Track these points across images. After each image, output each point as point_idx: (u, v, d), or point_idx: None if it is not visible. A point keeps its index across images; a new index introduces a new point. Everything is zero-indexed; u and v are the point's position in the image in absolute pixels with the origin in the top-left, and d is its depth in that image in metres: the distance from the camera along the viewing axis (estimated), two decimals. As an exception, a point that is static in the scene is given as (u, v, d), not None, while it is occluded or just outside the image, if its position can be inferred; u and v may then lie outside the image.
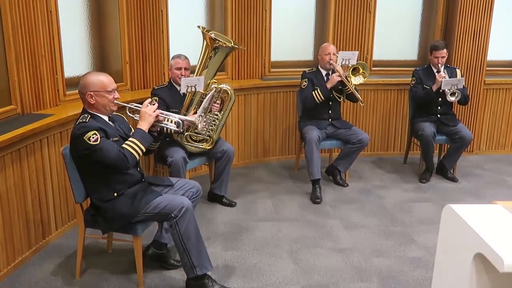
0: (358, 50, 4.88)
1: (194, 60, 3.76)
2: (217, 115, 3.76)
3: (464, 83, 4.44)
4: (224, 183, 3.97)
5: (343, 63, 4.24)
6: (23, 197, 3.07)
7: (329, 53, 4.33)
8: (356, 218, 3.84)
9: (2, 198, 2.88)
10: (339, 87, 4.32)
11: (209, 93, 3.50)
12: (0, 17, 3.07)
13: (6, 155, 2.89)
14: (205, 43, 3.63)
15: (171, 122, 2.86)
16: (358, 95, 4.28)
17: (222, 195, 4.02)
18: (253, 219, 3.80)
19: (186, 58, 3.77)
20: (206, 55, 3.63)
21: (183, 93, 3.65)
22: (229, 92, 3.76)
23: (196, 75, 3.66)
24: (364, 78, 4.23)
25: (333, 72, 4.34)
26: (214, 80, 3.72)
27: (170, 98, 3.73)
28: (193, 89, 3.55)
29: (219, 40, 3.57)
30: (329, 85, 4.24)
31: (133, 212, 2.70)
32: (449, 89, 4.33)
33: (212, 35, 3.57)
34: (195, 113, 3.59)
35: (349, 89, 4.25)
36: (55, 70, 3.54)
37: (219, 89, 3.67)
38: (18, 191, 3.02)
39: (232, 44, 3.65)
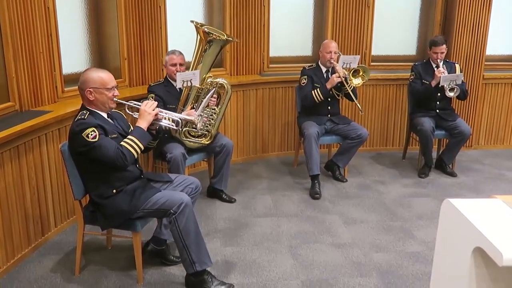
0: (358, 54, 4.90)
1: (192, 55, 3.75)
2: (214, 109, 3.76)
3: (463, 78, 4.44)
4: (224, 177, 3.97)
5: (344, 66, 4.24)
6: (22, 194, 3.07)
7: (330, 52, 4.31)
8: (355, 213, 3.84)
9: (1, 195, 2.87)
10: (338, 85, 4.30)
11: (205, 87, 3.49)
12: (-3, 13, 3.07)
13: (4, 152, 2.88)
14: (198, 37, 3.63)
15: (170, 120, 2.86)
16: (356, 100, 4.27)
17: (222, 189, 4.02)
18: (253, 215, 3.80)
19: (180, 53, 3.76)
20: (201, 49, 3.63)
21: (179, 89, 3.65)
22: (226, 86, 3.75)
23: (191, 70, 3.66)
24: (363, 80, 4.21)
25: (333, 70, 4.34)
26: (210, 75, 3.71)
27: (167, 94, 3.72)
28: (189, 84, 3.55)
29: (212, 34, 3.56)
30: (329, 86, 4.23)
31: (132, 209, 2.70)
32: (448, 85, 4.32)
33: (205, 29, 3.56)
34: (192, 108, 3.59)
35: (347, 90, 4.24)
36: (53, 66, 3.53)
37: (215, 83, 3.67)
38: (17, 188, 3.02)
39: (226, 37, 3.64)
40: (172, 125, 2.85)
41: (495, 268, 1.43)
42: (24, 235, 3.11)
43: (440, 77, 4.32)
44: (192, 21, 3.63)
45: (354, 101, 4.30)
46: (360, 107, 4.24)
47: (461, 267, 1.52)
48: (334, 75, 4.20)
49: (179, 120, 2.85)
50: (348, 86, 4.20)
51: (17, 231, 3.04)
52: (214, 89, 3.60)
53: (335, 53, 4.32)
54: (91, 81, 2.66)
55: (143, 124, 2.72)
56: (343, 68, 4.22)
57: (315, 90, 4.26)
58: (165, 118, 2.84)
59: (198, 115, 3.12)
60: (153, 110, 2.75)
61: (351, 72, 4.20)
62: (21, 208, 3.06)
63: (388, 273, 3.02)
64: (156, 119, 2.78)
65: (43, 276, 2.95)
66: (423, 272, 3.02)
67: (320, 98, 4.26)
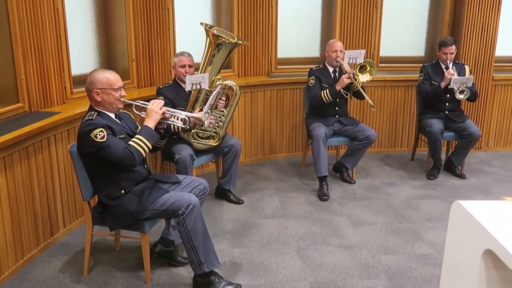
0: (364, 48, 4.91)
1: (201, 57, 3.75)
2: (222, 111, 3.76)
3: (473, 80, 4.41)
4: (232, 177, 3.96)
5: (350, 61, 4.20)
6: (31, 194, 3.08)
7: (336, 50, 4.30)
8: (363, 215, 3.83)
9: (10, 196, 2.89)
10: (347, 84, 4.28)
11: (214, 90, 3.50)
12: (7, 15, 3.09)
13: (14, 153, 2.90)
14: (208, 40, 3.62)
15: (178, 119, 2.87)
16: (366, 96, 4.25)
17: (230, 190, 4.01)
18: (260, 216, 3.80)
19: (189, 55, 3.76)
20: (210, 52, 3.62)
21: (188, 91, 3.65)
22: (234, 88, 3.75)
23: (200, 73, 3.66)
24: (371, 76, 4.17)
25: (340, 69, 4.32)
26: (219, 77, 3.71)
27: (176, 96, 3.73)
28: (198, 87, 3.55)
29: (222, 37, 3.55)
30: (338, 87, 4.22)
31: (140, 209, 2.70)
32: (458, 87, 4.30)
33: (215, 32, 3.56)
34: (201, 110, 3.59)
35: (356, 87, 4.22)
36: (62, 68, 3.55)
37: (224, 85, 3.67)
38: (26, 188, 3.04)
39: (236, 40, 3.64)
40: (180, 123, 2.85)
41: (506, 271, 1.42)
42: (33, 235, 3.13)
43: (450, 78, 4.29)
44: (201, 23, 3.63)
45: (363, 98, 4.27)
46: (371, 103, 4.21)
47: (471, 270, 1.51)
48: (343, 76, 4.18)
49: (186, 118, 2.85)
50: (357, 83, 4.17)
51: (26, 232, 3.05)
52: (220, 86, 3.58)
53: (341, 51, 4.30)
54: (98, 82, 2.68)
55: (151, 123, 2.72)
56: (349, 64, 4.19)
57: (324, 91, 4.25)
58: (172, 117, 2.85)
59: (205, 113, 3.12)
60: (160, 109, 2.76)
61: (358, 68, 4.17)
62: (30, 208, 3.08)
63: (396, 275, 3.00)
64: (164, 117, 2.79)
65: (51, 276, 2.96)
66: (432, 275, 3.00)
67: (329, 99, 4.24)
